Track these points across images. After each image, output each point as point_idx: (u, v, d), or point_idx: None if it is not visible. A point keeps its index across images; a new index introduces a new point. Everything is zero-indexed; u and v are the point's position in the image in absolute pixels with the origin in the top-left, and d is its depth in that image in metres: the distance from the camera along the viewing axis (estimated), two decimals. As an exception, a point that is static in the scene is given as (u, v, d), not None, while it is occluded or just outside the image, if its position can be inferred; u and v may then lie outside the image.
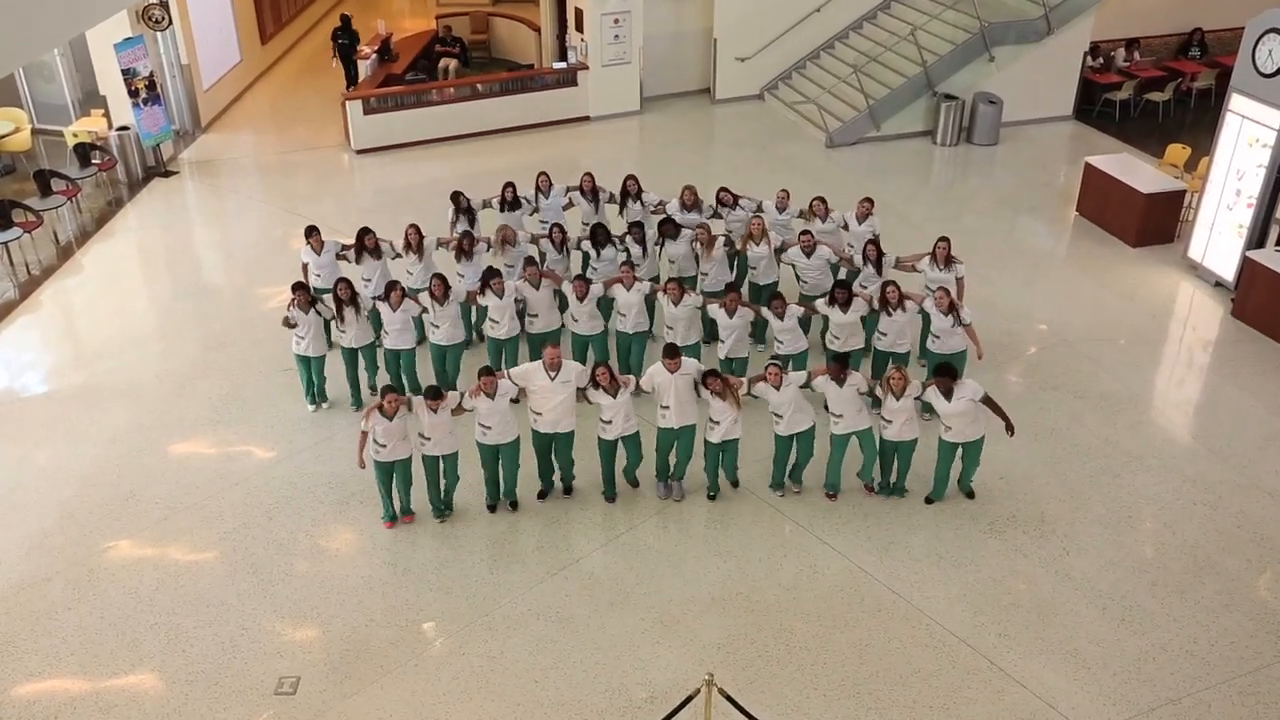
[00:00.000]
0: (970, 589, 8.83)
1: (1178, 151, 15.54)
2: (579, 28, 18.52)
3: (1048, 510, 9.67)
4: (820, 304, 10.44)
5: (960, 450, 9.39)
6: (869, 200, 11.70)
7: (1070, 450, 10.42)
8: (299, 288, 10.42)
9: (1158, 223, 14.12)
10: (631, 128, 18.71)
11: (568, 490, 9.84)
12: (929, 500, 9.68)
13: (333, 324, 10.61)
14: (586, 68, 18.42)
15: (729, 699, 7.14)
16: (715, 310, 10.39)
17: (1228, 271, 13.02)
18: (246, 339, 12.29)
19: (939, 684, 7.99)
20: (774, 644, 8.32)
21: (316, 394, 10.93)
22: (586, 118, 18.72)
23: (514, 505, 9.69)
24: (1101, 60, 19.00)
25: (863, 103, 17.53)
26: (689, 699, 7.19)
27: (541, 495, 9.81)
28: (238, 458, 10.42)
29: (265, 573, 9.03)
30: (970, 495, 9.72)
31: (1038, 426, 10.67)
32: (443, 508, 9.53)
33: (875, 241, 11.11)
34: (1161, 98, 18.41)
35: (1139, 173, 14.50)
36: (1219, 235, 13.12)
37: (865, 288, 10.72)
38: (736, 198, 11.95)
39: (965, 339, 10.22)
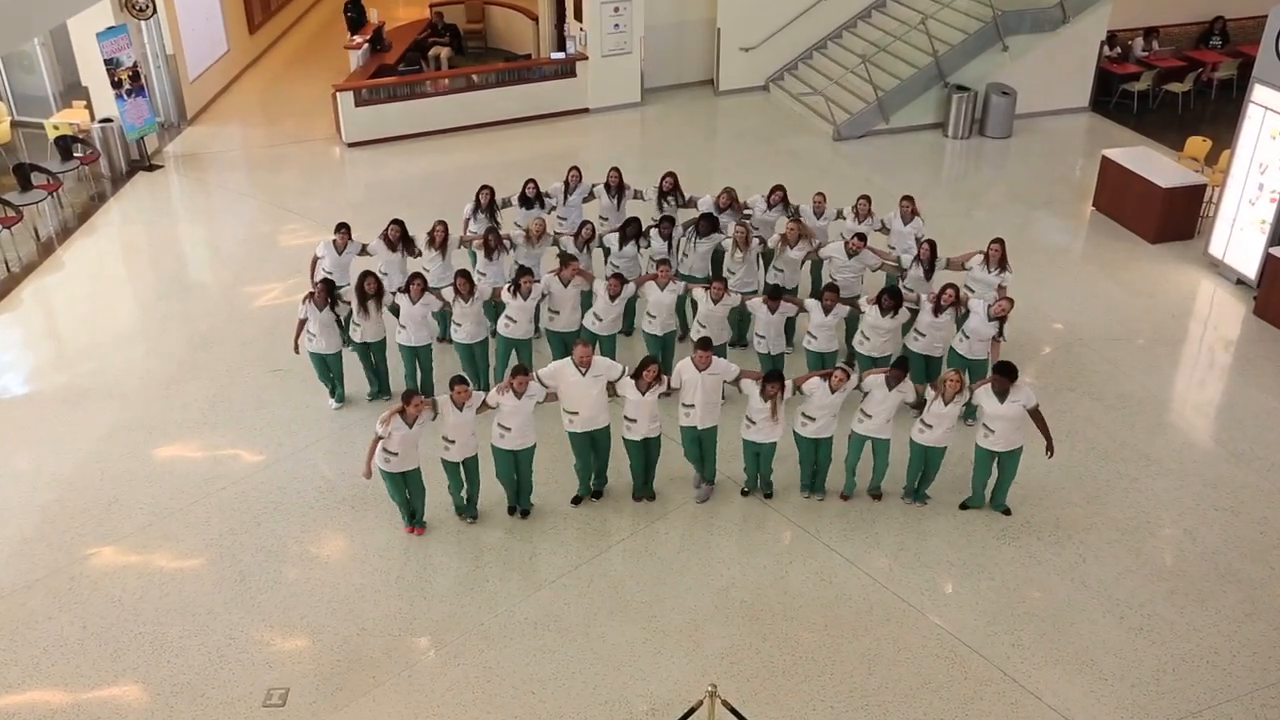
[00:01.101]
0: (983, 597, 8.83)
1: (1198, 144, 15.56)
2: (578, 16, 18.53)
3: (1063, 516, 9.68)
4: (863, 302, 10.43)
5: (996, 460, 9.33)
6: (909, 198, 11.70)
7: (1086, 454, 10.43)
8: (323, 283, 10.45)
9: (1177, 218, 14.13)
10: (632, 120, 18.71)
11: (597, 494, 9.85)
12: (964, 506, 9.67)
13: (352, 320, 10.59)
14: (586, 58, 18.43)
15: (732, 711, 7.15)
16: (755, 305, 10.39)
17: (1250, 269, 13.03)
18: (234, 339, 12.30)
19: (950, 696, 7.99)
20: (779, 654, 8.33)
21: (337, 390, 10.95)
22: (585, 110, 18.72)
23: (525, 514, 9.69)
24: (1119, 50, 19.00)
25: (871, 94, 17.53)
26: (691, 711, 7.20)
27: (576, 501, 9.80)
28: (225, 461, 10.43)
29: (253, 580, 9.03)
30: (1006, 512, 9.67)
31: (1053, 429, 10.61)
32: (468, 510, 9.54)
33: (933, 243, 11.03)
34: (1181, 89, 18.41)
35: (1158, 166, 14.50)
36: (1240, 231, 13.12)
37: (910, 290, 10.72)
38: (786, 200, 11.90)
39: (988, 348, 10.21)
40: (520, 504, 9.65)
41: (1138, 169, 14.37)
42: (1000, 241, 10.85)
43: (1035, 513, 9.68)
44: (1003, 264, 10.79)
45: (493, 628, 8.57)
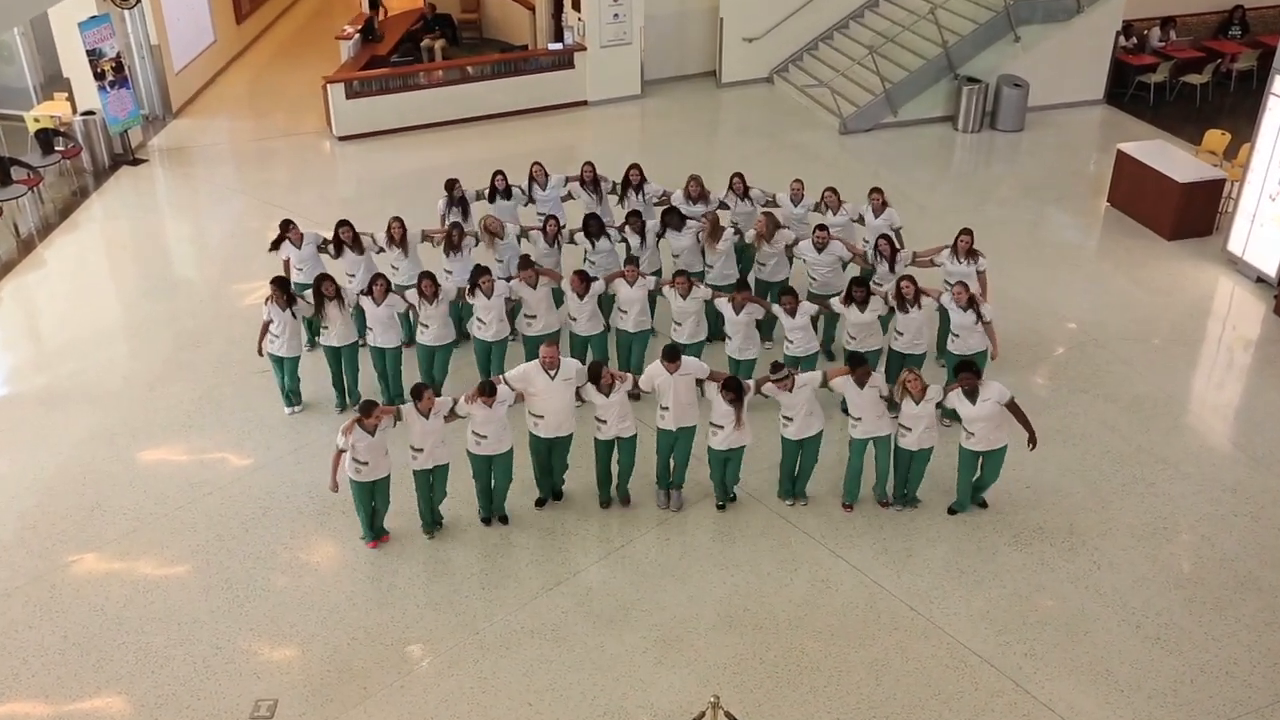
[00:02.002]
0: (994, 605, 8.83)
1: (1216, 138, 15.55)
2: (576, 6, 18.54)
3: (1077, 521, 9.67)
4: (835, 302, 10.46)
5: (981, 459, 9.38)
6: (878, 190, 11.71)
7: (1101, 457, 10.42)
8: (278, 282, 10.44)
9: (1195, 214, 14.13)
10: (632, 113, 18.72)
11: (557, 495, 9.87)
12: (952, 511, 9.68)
13: (319, 323, 10.61)
14: (584, 49, 18.44)
15: (736, 723, 7.15)
16: (722, 305, 10.43)
17: (1270, 266, 13.02)
18: (221, 338, 12.30)
19: (960, 707, 7.99)
20: (784, 664, 8.33)
21: (292, 396, 10.95)
22: (584, 102, 18.73)
23: (504, 519, 9.70)
24: (1135, 40, 19.01)
25: (879, 86, 17.54)
26: (693, 723, 7.21)
27: (540, 503, 9.83)
28: (211, 465, 10.43)
29: (241, 588, 9.03)
30: (983, 505, 9.72)
31: (1066, 432, 10.67)
32: (433, 523, 9.54)
33: (889, 236, 11.12)
34: (1199, 80, 18.41)
35: (1175, 160, 14.50)
36: (1261, 228, 13.12)
37: (880, 285, 10.73)
38: (748, 188, 11.97)
39: (986, 337, 10.24)
40: (496, 509, 9.66)
41: (1154, 163, 14.37)
42: (968, 231, 10.85)
43: (1048, 518, 9.68)
44: (972, 254, 10.80)
45: (488, 637, 8.57)
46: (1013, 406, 9.12)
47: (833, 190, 11.81)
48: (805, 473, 9.71)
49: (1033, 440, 9.22)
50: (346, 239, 11.20)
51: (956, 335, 10.32)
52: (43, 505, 9.93)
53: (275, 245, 11.40)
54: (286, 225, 11.36)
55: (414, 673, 8.29)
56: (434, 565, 9.27)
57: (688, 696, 7.98)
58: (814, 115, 18.19)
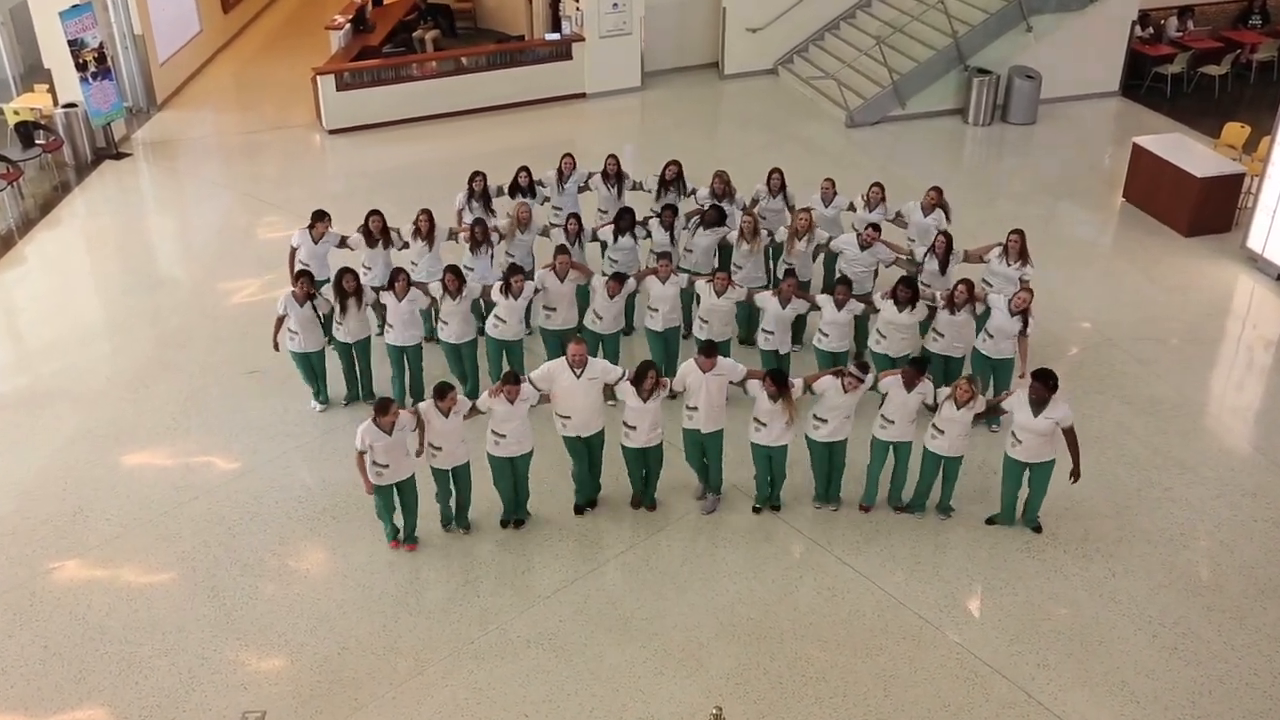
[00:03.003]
0: (1006, 614, 8.83)
1: (1236, 131, 15.56)
2: (574, -5, 18.58)
3: (1091, 527, 9.67)
4: (878, 298, 10.42)
5: (1028, 472, 9.29)
6: (937, 189, 11.70)
7: (1116, 461, 10.43)
8: (302, 276, 10.45)
9: (1213, 210, 14.14)
10: (632, 106, 18.73)
11: (581, 510, 9.83)
12: (991, 521, 9.63)
13: (333, 318, 10.59)
14: (583, 39, 18.45)
15: (740, 735, 7.15)
16: (765, 299, 10.38)
17: (1291, 264, 13.05)
18: (207, 337, 12.31)
19: (971, 719, 7.99)
20: (789, 674, 8.33)
21: (321, 391, 10.98)
22: (582, 95, 18.74)
23: (519, 523, 9.70)
24: (1151, 30, 19.03)
25: (887, 78, 17.54)
26: (695, 735, 7.21)
27: (579, 510, 9.81)
28: (198, 469, 10.43)
29: (228, 596, 9.03)
30: (1037, 529, 9.63)
31: (1080, 436, 10.61)
32: (453, 521, 9.55)
33: (947, 234, 11.04)
34: (1218, 71, 18.43)
35: (1193, 154, 14.51)
36: (1281, 224, 13.14)
37: (927, 286, 10.74)
38: (785, 185, 12.00)
39: (1014, 347, 10.21)
40: (516, 514, 9.66)
41: (1171, 157, 14.38)
42: (1020, 233, 10.85)
43: (1061, 524, 9.68)
44: (1023, 256, 10.79)
45: (483, 646, 8.57)
46: (1070, 434, 9.06)
47: (879, 185, 11.83)
48: (837, 477, 9.69)
49: (1076, 472, 9.18)
50: (376, 229, 11.17)
51: (991, 336, 10.27)
52: (23, 510, 9.92)
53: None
54: (319, 216, 11.24)
55: (407, 683, 8.28)
56: (427, 572, 9.26)
57: (689, 708, 7.98)
58: (819, 108, 18.20)
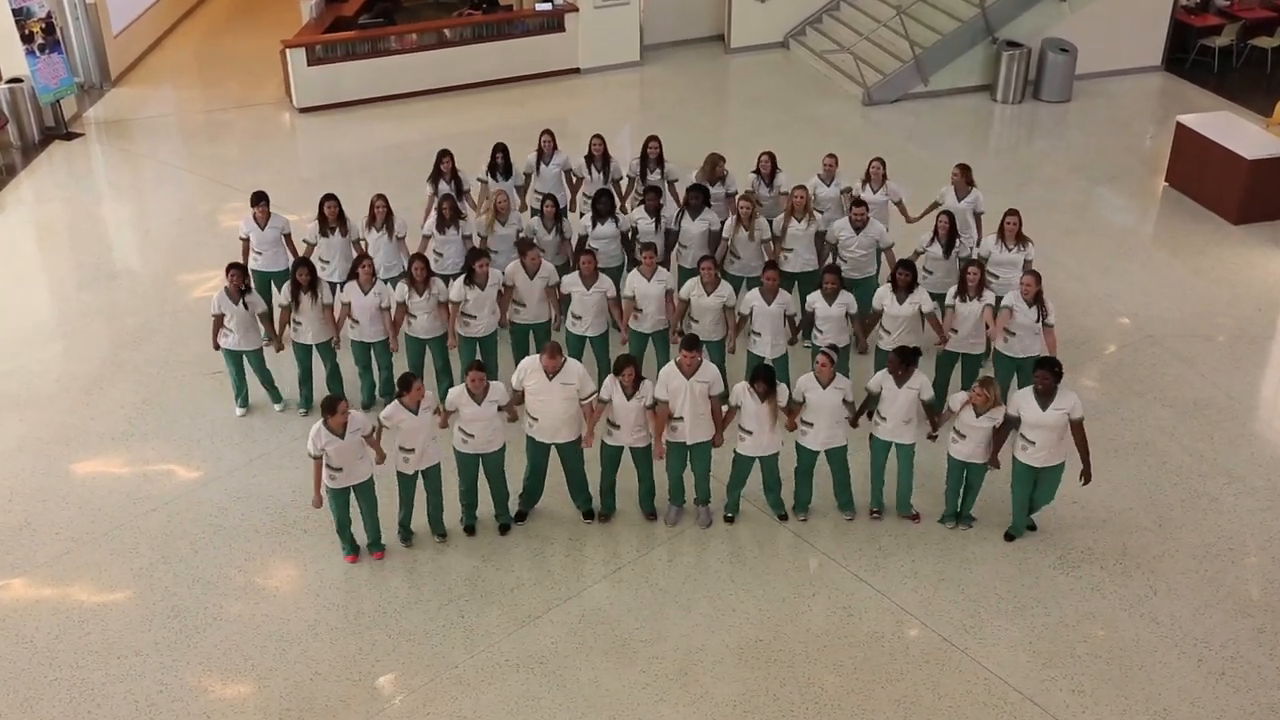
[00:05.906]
0: (1037, 635, 8.86)
1: (1288, 109, 15.62)
2: (567, -39, 18.61)
3: (1131, 541, 9.70)
4: (879, 294, 10.38)
5: (1038, 477, 9.31)
6: (961, 166, 11.73)
7: (1158, 469, 10.46)
8: (234, 268, 10.45)
9: (1264, 195, 14.17)
10: (630, 82, 18.76)
11: (589, 515, 9.88)
12: (1009, 537, 9.67)
13: (290, 315, 10.55)
14: (576, 9, 18.47)
15: (747, 767, 7.17)
16: (752, 297, 10.31)
17: (1348, 254, 13.07)
18: (167, 335, 12.33)
19: (1000, 750, 8.03)
20: (800, 701, 8.35)
21: (246, 396, 11.03)
22: (576, 70, 18.78)
23: (503, 529, 9.74)
24: (1196, -1, 19.07)
25: (907, 51, 17.58)
26: (699, 768, 7.24)
27: (520, 517, 9.87)
28: (156, 478, 10.45)
29: (189, 617, 9.05)
30: (1032, 528, 9.73)
31: (1119, 441, 10.70)
32: (411, 539, 9.56)
33: (950, 215, 11.01)
34: (1270, 43, 18.46)
35: (1242, 134, 14.54)
36: (1338, 210, 13.18)
37: (930, 273, 10.72)
38: (775, 170, 12.02)
39: (1043, 342, 10.21)
40: (499, 518, 9.70)
41: (1218, 138, 14.40)
42: (1015, 213, 10.87)
43: (1098, 538, 9.71)
44: (1020, 239, 10.81)
45: (468, 670, 8.60)
46: (1078, 428, 9.07)
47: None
48: (841, 485, 9.73)
49: (1087, 473, 9.22)
50: (332, 216, 11.14)
51: (1011, 334, 10.27)
52: (-35, 523, 9.95)
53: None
54: (257, 199, 11.24)
55: (385, 711, 8.31)
56: (407, 590, 9.29)
57: (693, 738, 8.02)
58: (834, 84, 18.23)
